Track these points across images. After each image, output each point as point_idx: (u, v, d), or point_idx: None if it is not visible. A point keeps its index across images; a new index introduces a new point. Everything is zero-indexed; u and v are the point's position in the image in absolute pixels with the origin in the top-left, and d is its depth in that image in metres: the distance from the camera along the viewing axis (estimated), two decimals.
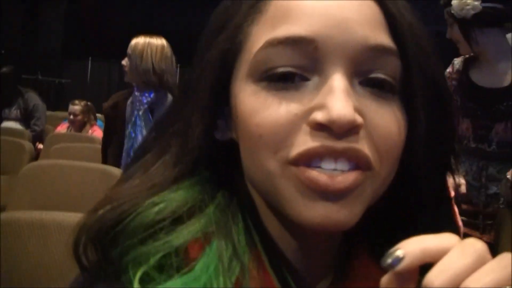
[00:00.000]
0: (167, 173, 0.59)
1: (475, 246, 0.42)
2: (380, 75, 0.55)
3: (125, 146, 2.97)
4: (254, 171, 0.57)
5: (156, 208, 0.56)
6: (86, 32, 11.17)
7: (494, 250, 1.77)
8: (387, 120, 0.54)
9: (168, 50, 2.96)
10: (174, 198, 0.57)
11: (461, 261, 0.41)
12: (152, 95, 2.94)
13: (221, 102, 0.60)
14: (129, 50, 2.97)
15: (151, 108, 2.94)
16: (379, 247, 0.57)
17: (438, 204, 0.63)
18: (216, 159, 0.61)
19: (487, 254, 0.42)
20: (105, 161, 3.25)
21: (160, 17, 11.14)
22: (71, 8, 11.69)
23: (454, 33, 2.30)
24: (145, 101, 2.93)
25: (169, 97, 2.94)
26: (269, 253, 0.58)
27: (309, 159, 0.52)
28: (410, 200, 0.62)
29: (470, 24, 2.19)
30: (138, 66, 2.90)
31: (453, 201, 0.66)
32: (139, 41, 2.96)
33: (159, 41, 2.96)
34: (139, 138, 2.88)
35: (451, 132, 0.62)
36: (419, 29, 0.58)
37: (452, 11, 2.20)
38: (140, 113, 2.93)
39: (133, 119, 2.95)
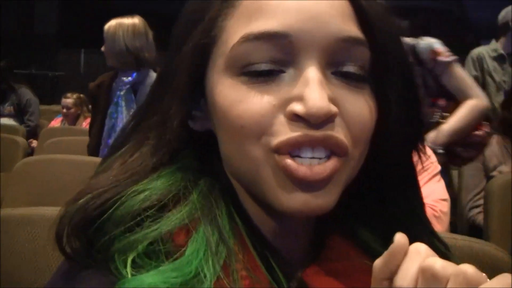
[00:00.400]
0: (146, 163, 0.61)
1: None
2: (351, 67, 0.58)
3: (106, 126, 2.97)
4: (236, 160, 0.59)
5: (141, 196, 0.58)
6: (81, 21, 11.08)
7: None
8: (359, 107, 0.58)
9: (140, 27, 2.94)
10: (157, 186, 0.59)
11: None
12: (134, 75, 2.93)
13: (197, 94, 0.62)
14: (104, 35, 2.96)
15: (134, 88, 2.94)
16: (351, 227, 0.66)
17: (406, 184, 0.67)
18: (193, 148, 0.64)
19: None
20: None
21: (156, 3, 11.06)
22: None
23: None
24: (126, 81, 2.92)
25: (152, 75, 2.93)
26: (251, 237, 0.60)
27: (289, 147, 0.55)
28: (379, 180, 0.66)
29: None
30: (112, 48, 2.90)
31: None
32: (111, 23, 2.95)
33: (130, 20, 2.94)
34: (120, 118, 2.87)
35: (418, 114, 0.65)
36: (388, 20, 0.60)
37: None
38: (122, 93, 2.92)
39: (115, 99, 2.94)
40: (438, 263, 0.46)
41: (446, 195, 2.04)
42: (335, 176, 0.56)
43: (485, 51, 3.97)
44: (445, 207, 2.05)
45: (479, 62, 3.92)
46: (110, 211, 0.57)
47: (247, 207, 0.63)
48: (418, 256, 0.48)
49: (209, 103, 0.61)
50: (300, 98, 0.55)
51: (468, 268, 0.45)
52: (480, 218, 2.61)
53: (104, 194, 0.58)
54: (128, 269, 0.54)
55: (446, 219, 2.02)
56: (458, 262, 0.47)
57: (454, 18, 8.29)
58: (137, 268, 0.54)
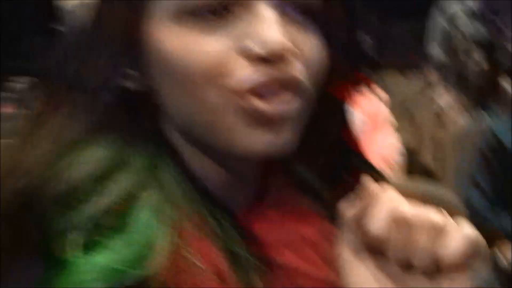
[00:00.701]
0: (78, 129, 0.56)
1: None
2: (303, 2, 0.56)
3: None
4: (190, 111, 0.56)
5: (80, 169, 0.53)
6: None
7: None
8: (314, 47, 0.57)
9: None
10: (94, 155, 0.54)
11: None
12: None
13: (131, 49, 0.57)
14: None
15: None
16: (290, 165, 0.66)
17: (339, 118, 0.68)
18: (129, 110, 0.59)
19: None
20: None
21: None
22: None
23: None
24: None
25: None
26: (200, 196, 0.58)
27: (251, 88, 0.53)
28: (320, 123, 0.65)
29: None
30: None
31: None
32: None
33: None
34: None
35: (357, 51, 0.67)
36: None
37: None
38: None
39: None
40: (407, 208, 0.48)
41: (400, 149, 2.05)
42: (297, 115, 0.56)
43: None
44: (399, 160, 2.07)
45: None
46: (46, 189, 0.51)
47: (195, 164, 0.60)
48: (390, 201, 0.50)
49: (150, 56, 0.56)
50: (256, 37, 0.52)
51: (436, 214, 0.48)
52: None
53: (34, 170, 0.52)
54: (74, 250, 0.49)
55: (402, 172, 2.04)
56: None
57: None
58: (82, 248, 0.50)
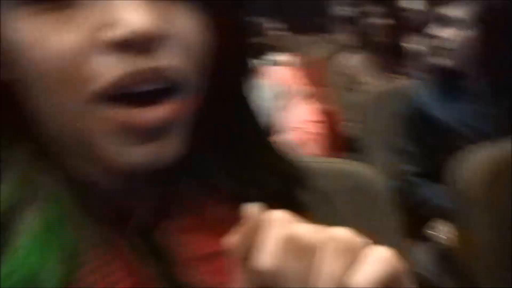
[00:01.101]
0: None
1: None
2: None
3: None
4: (52, 119, 0.47)
5: None
6: None
7: None
8: (191, 25, 0.48)
9: None
10: None
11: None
12: None
13: None
14: None
15: None
16: (196, 166, 0.56)
17: (243, 110, 0.58)
18: None
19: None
20: None
21: None
22: None
23: None
24: None
25: None
26: (94, 207, 0.50)
27: (116, 89, 0.44)
28: (214, 110, 0.55)
29: None
30: None
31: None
32: None
33: None
34: None
35: (244, 33, 0.57)
36: None
37: None
38: None
39: None
40: (303, 230, 0.39)
41: (318, 117, 2.04)
42: (178, 116, 0.47)
43: None
44: (319, 128, 2.06)
45: None
46: None
47: (79, 171, 0.50)
48: (279, 226, 0.40)
49: (7, 46, 0.47)
50: (116, 22, 0.43)
51: (341, 233, 0.39)
52: None
53: None
54: None
55: (322, 140, 2.03)
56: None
57: None
58: None
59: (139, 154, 0.46)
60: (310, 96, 2.03)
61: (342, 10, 3.58)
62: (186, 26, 0.48)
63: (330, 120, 2.29)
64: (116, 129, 0.45)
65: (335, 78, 2.81)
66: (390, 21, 2.89)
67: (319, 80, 2.46)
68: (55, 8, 0.44)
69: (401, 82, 2.46)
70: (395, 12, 2.95)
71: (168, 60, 0.45)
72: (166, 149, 0.47)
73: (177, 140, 0.48)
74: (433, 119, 1.75)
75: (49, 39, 0.44)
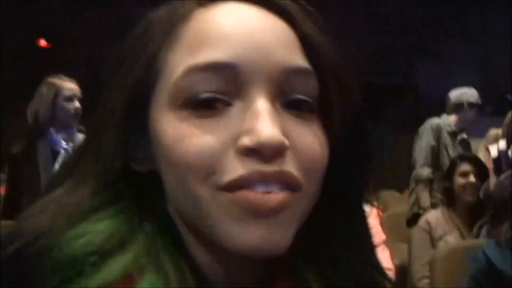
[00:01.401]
0: (86, 204, 0.56)
1: None
2: (299, 97, 0.55)
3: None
4: (182, 200, 0.55)
5: (82, 241, 0.52)
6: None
7: None
8: (310, 140, 0.55)
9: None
10: (99, 230, 0.54)
11: None
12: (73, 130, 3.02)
13: (138, 133, 0.58)
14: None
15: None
16: (299, 266, 0.62)
17: (356, 222, 0.64)
18: (136, 188, 0.59)
19: None
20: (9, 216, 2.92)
21: None
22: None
23: None
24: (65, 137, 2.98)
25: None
26: (199, 283, 0.56)
27: (240, 185, 0.51)
28: (328, 217, 0.62)
29: None
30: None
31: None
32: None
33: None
34: None
35: (367, 150, 0.63)
36: (333, 49, 0.59)
37: None
38: (66, 146, 2.95)
39: (60, 154, 2.93)
40: None
41: (390, 264, 2.03)
42: (290, 209, 0.53)
43: (442, 123, 4.12)
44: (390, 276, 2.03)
45: (438, 133, 4.06)
46: (46, 258, 0.51)
47: (194, 251, 0.58)
48: None
49: (152, 142, 0.57)
50: (250, 131, 0.51)
51: None
52: None
53: (40, 238, 0.52)
54: None
55: None
56: None
57: (406, 94, 8.56)
58: None
59: (253, 234, 0.51)
60: (382, 244, 2.04)
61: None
62: (308, 140, 0.55)
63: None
64: (235, 211, 0.52)
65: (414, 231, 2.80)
66: (478, 181, 2.90)
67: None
68: (200, 116, 0.53)
69: (477, 240, 2.41)
70: (482, 170, 2.96)
71: (289, 166, 0.52)
72: (277, 234, 0.52)
73: (288, 229, 0.53)
74: (504, 277, 1.71)
75: (194, 138, 0.52)
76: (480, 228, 2.60)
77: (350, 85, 0.59)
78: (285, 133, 0.52)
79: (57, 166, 2.91)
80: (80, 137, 3.01)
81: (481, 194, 2.86)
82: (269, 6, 0.57)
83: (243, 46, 0.54)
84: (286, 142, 0.51)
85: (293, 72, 0.55)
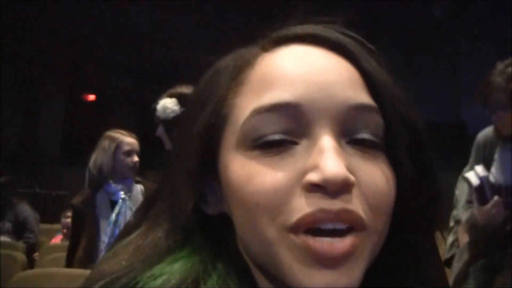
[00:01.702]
0: (160, 246, 0.58)
1: None
2: (364, 134, 0.56)
3: (109, 234, 2.96)
4: (251, 240, 0.56)
5: (159, 281, 0.54)
6: (84, 140, 11.15)
7: None
8: (376, 177, 0.55)
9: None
10: (175, 270, 0.56)
11: None
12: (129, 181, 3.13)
13: (209, 177, 0.60)
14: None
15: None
16: None
17: (427, 258, 0.63)
18: (208, 229, 0.61)
19: None
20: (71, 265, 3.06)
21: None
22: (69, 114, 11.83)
23: (160, 131, 2.69)
24: (122, 187, 3.08)
25: None
26: None
27: (306, 224, 0.52)
28: (399, 253, 0.62)
29: (171, 124, 2.58)
30: None
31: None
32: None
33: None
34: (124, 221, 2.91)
35: (435, 184, 0.62)
36: (394, 84, 0.60)
37: (157, 113, 2.61)
38: (125, 196, 3.04)
39: (118, 205, 3.02)
40: None
41: None
42: (356, 252, 0.53)
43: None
44: None
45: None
46: None
47: None
48: None
49: (222, 183, 0.59)
50: (315, 168, 0.52)
51: None
52: None
53: (120, 279, 0.55)
54: None
55: None
56: None
57: (454, 132, 8.44)
58: None
59: (320, 279, 0.51)
60: None
61: None
62: (374, 176, 0.55)
63: None
64: (303, 256, 0.52)
65: None
66: None
67: None
68: (267, 155, 0.54)
69: None
70: None
71: (355, 204, 0.52)
72: (345, 279, 0.52)
73: (355, 272, 0.53)
74: None
75: (261, 176, 0.53)
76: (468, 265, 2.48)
77: (413, 121, 0.59)
78: (350, 170, 0.52)
79: (113, 215, 2.98)
80: (137, 187, 3.13)
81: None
82: (330, 45, 0.59)
83: (306, 85, 0.55)
84: (352, 178, 0.52)
85: (357, 109, 0.56)
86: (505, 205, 2.20)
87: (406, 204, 0.59)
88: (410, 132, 0.59)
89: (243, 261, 0.60)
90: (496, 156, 2.36)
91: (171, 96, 2.58)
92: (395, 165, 0.58)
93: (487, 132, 2.47)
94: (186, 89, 2.54)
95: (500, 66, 2.22)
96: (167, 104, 2.57)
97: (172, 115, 2.56)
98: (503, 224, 1.96)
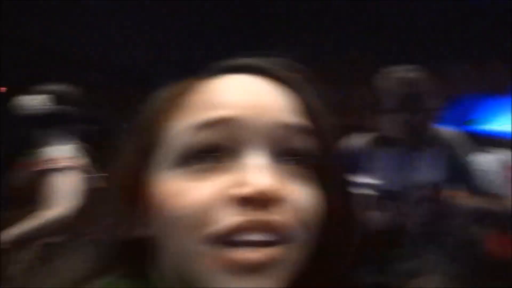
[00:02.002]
0: (81, 274, 0.59)
1: None
2: (294, 152, 0.58)
3: None
4: (175, 258, 0.57)
5: None
6: None
7: None
8: (305, 194, 0.57)
9: None
10: None
11: None
12: None
13: (135, 201, 0.60)
14: None
15: None
16: None
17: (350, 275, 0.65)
18: (134, 255, 0.61)
19: None
20: None
21: None
22: None
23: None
24: None
25: None
26: None
27: (231, 234, 0.53)
28: (322, 267, 0.63)
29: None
30: None
31: None
32: None
33: None
34: None
35: (353, 211, 0.65)
36: (328, 112, 0.62)
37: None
38: None
39: None
40: None
41: None
42: (279, 262, 0.54)
43: None
44: None
45: None
46: None
47: None
48: None
49: (147, 203, 0.59)
50: (241, 182, 0.53)
51: None
52: None
53: None
54: None
55: None
56: None
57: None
58: None
59: (236, 286, 0.52)
60: None
61: None
62: (301, 191, 0.57)
63: None
64: (221, 266, 0.53)
65: None
66: None
67: None
68: (193, 172, 0.55)
69: None
70: None
71: (280, 216, 0.53)
72: (262, 286, 0.53)
73: (273, 281, 0.54)
74: None
75: (185, 192, 0.54)
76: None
77: (337, 141, 0.63)
78: (278, 185, 0.53)
79: None
80: None
81: None
82: (270, 76, 0.61)
83: (238, 105, 0.57)
84: (279, 192, 0.53)
85: (289, 129, 0.58)
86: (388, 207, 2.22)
87: (332, 219, 0.61)
88: (334, 157, 0.62)
89: (168, 284, 0.60)
90: (378, 161, 2.32)
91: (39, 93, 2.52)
92: (324, 183, 0.60)
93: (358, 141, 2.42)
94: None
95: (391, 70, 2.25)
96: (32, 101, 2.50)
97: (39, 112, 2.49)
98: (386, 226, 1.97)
